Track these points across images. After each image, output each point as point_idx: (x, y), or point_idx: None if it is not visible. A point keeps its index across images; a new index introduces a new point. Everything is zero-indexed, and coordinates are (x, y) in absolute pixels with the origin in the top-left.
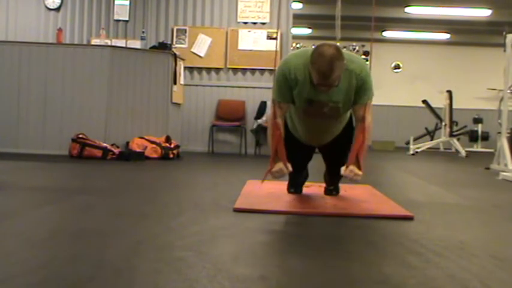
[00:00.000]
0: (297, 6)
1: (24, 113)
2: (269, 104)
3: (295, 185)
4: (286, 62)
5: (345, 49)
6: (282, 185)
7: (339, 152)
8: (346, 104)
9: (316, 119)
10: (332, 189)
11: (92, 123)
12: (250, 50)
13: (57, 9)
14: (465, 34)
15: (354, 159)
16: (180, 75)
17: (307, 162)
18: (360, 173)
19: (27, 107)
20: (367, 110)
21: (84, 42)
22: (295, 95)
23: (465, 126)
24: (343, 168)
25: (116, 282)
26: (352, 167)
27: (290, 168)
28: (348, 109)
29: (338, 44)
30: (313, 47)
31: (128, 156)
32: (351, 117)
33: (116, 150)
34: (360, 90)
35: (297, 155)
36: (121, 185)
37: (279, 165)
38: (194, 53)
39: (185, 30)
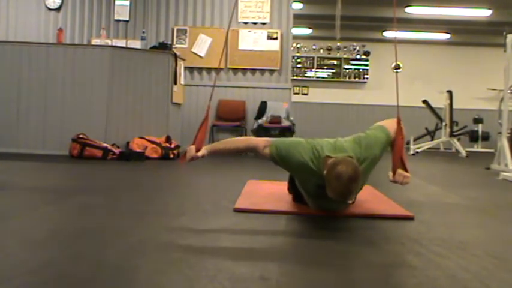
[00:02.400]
0: (297, 6)
1: (25, 113)
2: (269, 104)
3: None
4: (297, 152)
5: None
6: (282, 185)
7: None
8: (364, 181)
9: (326, 200)
10: None
11: (92, 123)
12: (251, 50)
13: (58, 9)
14: (465, 34)
15: (399, 163)
16: (180, 75)
17: None
18: (409, 175)
19: (27, 107)
20: (394, 125)
21: (85, 42)
22: (301, 180)
23: (465, 126)
24: (390, 175)
25: (116, 282)
26: (400, 171)
27: (200, 155)
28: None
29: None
30: (313, 47)
31: (128, 156)
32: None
33: (116, 150)
34: (387, 147)
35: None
36: (121, 185)
37: (191, 147)
38: (194, 53)
39: (185, 30)
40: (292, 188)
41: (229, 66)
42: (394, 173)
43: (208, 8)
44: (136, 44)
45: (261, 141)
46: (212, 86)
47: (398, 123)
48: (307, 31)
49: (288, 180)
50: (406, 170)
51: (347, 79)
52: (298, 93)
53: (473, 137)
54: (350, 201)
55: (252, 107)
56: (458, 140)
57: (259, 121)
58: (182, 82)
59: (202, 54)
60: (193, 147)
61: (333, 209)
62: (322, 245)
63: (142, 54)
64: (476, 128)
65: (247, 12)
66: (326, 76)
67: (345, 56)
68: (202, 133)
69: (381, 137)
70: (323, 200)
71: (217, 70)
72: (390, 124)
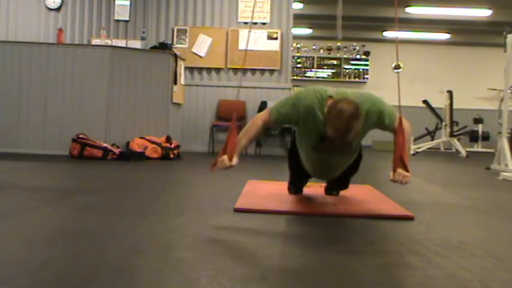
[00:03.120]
0: (298, 6)
1: (25, 113)
2: (269, 104)
3: (296, 187)
4: (300, 99)
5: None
6: (282, 185)
7: (345, 175)
8: (359, 140)
9: (326, 155)
10: (333, 188)
11: (93, 123)
12: (251, 50)
13: (58, 9)
14: (465, 34)
15: (400, 162)
16: (180, 75)
17: (305, 177)
18: (409, 174)
19: (27, 107)
20: (399, 121)
21: (85, 42)
22: (305, 131)
23: (465, 126)
24: (390, 174)
25: (116, 282)
26: (400, 171)
27: (234, 162)
28: (360, 144)
29: (352, 98)
30: (313, 47)
31: (129, 156)
32: (360, 148)
33: (117, 150)
34: (385, 119)
35: (300, 166)
36: (121, 185)
37: (224, 157)
38: (194, 53)
39: (186, 30)
40: (291, 162)
41: (229, 66)
42: (394, 171)
43: (208, 8)
44: (137, 44)
45: (263, 115)
46: (238, 87)
47: (400, 122)
48: (307, 31)
49: (288, 153)
50: (406, 169)
51: (347, 79)
52: None
53: (474, 137)
54: (351, 141)
55: (252, 107)
56: (459, 140)
57: None
58: (182, 82)
59: (202, 54)
60: (225, 158)
61: (331, 170)
62: (322, 244)
63: (143, 54)
64: (476, 128)
65: (247, 12)
66: (326, 76)
67: (345, 56)
68: (234, 140)
69: (387, 108)
70: (321, 152)
71: (241, 70)
72: (402, 119)
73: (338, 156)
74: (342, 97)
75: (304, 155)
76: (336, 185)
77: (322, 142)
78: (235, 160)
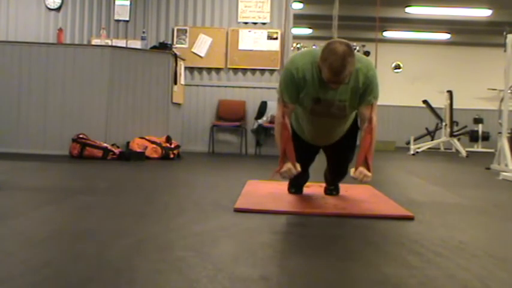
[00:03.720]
0: (298, 6)
1: (25, 113)
2: (269, 104)
3: (296, 186)
4: (293, 61)
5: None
6: (282, 185)
7: (343, 152)
8: (353, 102)
9: (322, 118)
10: (332, 189)
11: (93, 124)
12: (251, 50)
13: (58, 9)
14: (465, 34)
15: (363, 161)
16: (180, 75)
17: (310, 164)
18: (370, 174)
19: (27, 107)
20: (373, 110)
21: (85, 42)
22: (303, 95)
23: (465, 126)
24: (352, 170)
25: (116, 282)
26: (361, 169)
27: (299, 168)
28: (354, 108)
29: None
30: (313, 47)
31: (129, 156)
32: (355, 117)
33: (117, 150)
34: (367, 89)
35: (300, 156)
36: (121, 185)
37: (288, 166)
38: (194, 53)
39: (186, 30)
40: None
41: (229, 66)
42: (356, 169)
43: (208, 8)
44: (137, 44)
45: (279, 111)
46: (262, 88)
47: (371, 119)
48: (307, 31)
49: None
50: (368, 169)
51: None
52: None
53: (474, 137)
54: (345, 81)
55: (252, 107)
56: (459, 140)
57: (260, 121)
58: (182, 82)
59: (202, 54)
60: (291, 166)
61: (329, 133)
62: (322, 245)
63: (143, 54)
64: (476, 128)
65: (247, 12)
66: None
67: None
68: (292, 148)
69: (375, 83)
70: (319, 116)
71: (269, 70)
72: (376, 111)
73: (334, 120)
74: (335, 39)
75: (303, 120)
76: (335, 167)
77: (319, 104)
78: (298, 167)
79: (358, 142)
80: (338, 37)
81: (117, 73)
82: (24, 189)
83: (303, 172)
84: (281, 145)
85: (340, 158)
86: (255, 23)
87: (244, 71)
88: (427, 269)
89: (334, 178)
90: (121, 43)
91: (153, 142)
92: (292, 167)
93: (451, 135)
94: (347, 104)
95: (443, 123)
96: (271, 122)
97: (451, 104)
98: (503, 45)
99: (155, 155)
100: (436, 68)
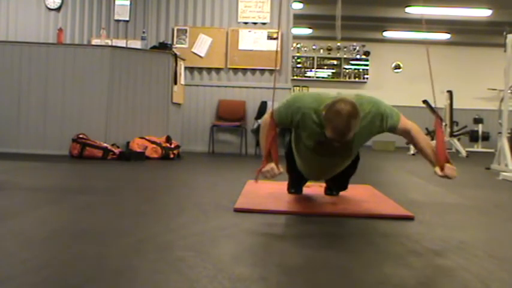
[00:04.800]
0: (298, 6)
1: (25, 113)
2: (269, 104)
3: (296, 186)
4: (298, 104)
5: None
6: (282, 185)
7: (342, 177)
8: (359, 142)
9: (325, 157)
10: (332, 189)
11: (93, 124)
12: (251, 50)
13: (58, 9)
14: (465, 34)
15: (445, 158)
16: (180, 75)
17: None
18: (455, 167)
19: (27, 107)
20: (405, 123)
21: (85, 42)
22: (304, 136)
23: (465, 126)
24: (437, 170)
25: (116, 282)
26: (448, 165)
27: (281, 169)
28: (361, 146)
29: (351, 99)
30: (313, 47)
31: (129, 156)
32: (358, 153)
33: (117, 150)
34: (387, 122)
35: (297, 169)
36: (121, 185)
37: (271, 165)
38: (194, 53)
39: (186, 30)
40: (288, 165)
41: (229, 66)
42: (442, 167)
43: (208, 8)
44: (137, 44)
45: (268, 117)
46: (272, 88)
47: (411, 130)
48: (307, 31)
49: (285, 156)
50: (450, 162)
51: (347, 79)
52: None
53: (474, 137)
54: (350, 140)
55: (252, 107)
56: (459, 140)
57: (259, 121)
58: (182, 82)
59: (202, 54)
60: (274, 167)
61: (329, 171)
62: (321, 245)
63: (143, 54)
64: (476, 128)
65: (247, 12)
66: (326, 76)
67: (345, 56)
68: (276, 149)
69: (389, 110)
70: (321, 155)
71: (275, 71)
72: (406, 120)
73: (337, 159)
74: (340, 97)
75: (302, 156)
76: (335, 186)
77: (322, 145)
78: (281, 168)
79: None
80: (342, 38)
81: (117, 73)
82: (24, 189)
83: (303, 179)
84: (266, 145)
85: (340, 180)
86: (255, 23)
87: (244, 71)
88: (427, 269)
89: (334, 190)
90: (121, 43)
91: (153, 142)
92: (275, 167)
93: (451, 135)
94: (353, 145)
95: (443, 123)
96: None
97: (451, 104)
98: (503, 45)
99: (155, 155)
100: (436, 68)
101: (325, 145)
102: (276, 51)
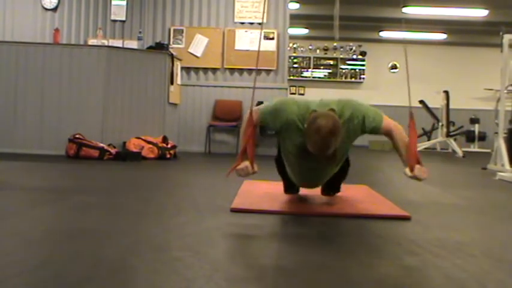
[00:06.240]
0: (294, 6)
1: (21, 113)
2: (266, 104)
3: (291, 188)
4: (284, 111)
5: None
6: (279, 185)
7: (333, 182)
8: (343, 150)
9: (310, 163)
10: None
11: (89, 124)
12: (247, 50)
13: (54, 9)
14: (462, 34)
15: (415, 158)
16: (177, 75)
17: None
18: (426, 169)
19: (24, 107)
20: (388, 122)
21: (81, 42)
22: (288, 142)
23: (462, 127)
24: (406, 170)
25: (113, 282)
26: (418, 166)
27: (256, 169)
28: (346, 153)
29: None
30: (310, 47)
31: (125, 156)
32: (347, 157)
33: (113, 151)
34: (368, 124)
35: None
36: (118, 185)
37: (245, 163)
38: (191, 53)
39: (182, 31)
40: (281, 172)
41: (225, 66)
42: (412, 168)
43: (204, 8)
44: (133, 44)
45: (249, 111)
46: (259, 88)
47: (393, 128)
48: (303, 31)
49: (275, 162)
50: (421, 164)
51: (343, 79)
52: (295, 93)
53: (470, 137)
54: (330, 155)
55: (248, 107)
56: (455, 140)
57: None
58: (179, 82)
59: (198, 55)
60: (248, 165)
61: (316, 177)
62: (318, 245)
63: (139, 55)
64: (472, 128)
65: (244, 13)
66: (323, 76)
67: (341, 56)
68: (253, 147)
69: (371, 112)
70: (306, 160)
71: (257, 71)
72: (389, 120)
73: (323, 165)
74: (322, 112)
75: (290, 162)
76: (327, 189)
77: (306, 152)
78: (256, 167)
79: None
80: (339, 38)
81: (113, 73)
82: (21, 189)
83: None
84: (243, 141)
85: (332, 184)
86: (251, 23)
87: (241, 71)
88: (423, 269)
89: (328, 193)
90: (117, 43)
91: (149, 142)
92: (249, 166)
93: (448, 135)
94: (337, 153)
95: (440, 124)
96: None
97: (447, 104)
98: (500, 45)
99: (151, 155)
100: (433, 68)
101: (309, 153)
102: (259, 51)
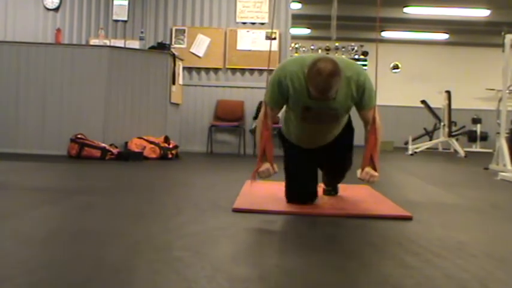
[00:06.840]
0: (296, 6)
1: (23, 114)
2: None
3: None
4: (283, 67)
5: (343, 56)
6: (281, 186)
7: (339, 165)
8: (345, 109)
9: (313, 124)
10: (330, 189)
11: (91, 124)
12: (249, 50)
13: (56, 9)
14: (464, 34)
15: (369, 161)
16: (178, 75)
17: (312, 181)
18: (377, 174)
19: (26, 108)
20: (375, 112)
21: (83, 42)
22: (292, 102)
23: (464, 127)
24: (358, 171)
25: (115, 282)
26: (368, 169)
27: (276, 169)
28: (347, 113)
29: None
30: (312, 47)
31: (127, 156)
32: (349, 119)
33: (115, 151)
34: (363, 95)
35: (300, 174)
36: (120, 185)
37: (266, 166)
38: (193, 53)
39: (184, 31)
40: (287, 165)
41: (227, 67)
42: (363, 170)
43: (206, 8)
44: (135, 44)
45: (262, 112)
46: (260, 88)
47: (374, 120)
48: (305, 31)
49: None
50: (375, 169)
51: None
52: None
53: (472, 137)
54: (332, 97)
55: (250, 107)
56: (457, 140)
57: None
58: (181, 82)
59: (200, 55)
60: (269, 167)
61: (322, 138)
62: (320, 245)
63: (141, 55)
64: (474, 128)
65: (246, 13)
66: None
67: (343, 56)
68: (272, 149)
69: (369, 86)
70: (310, 122)
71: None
72: (378, 112)
73: (326, 124)
74: (321, 56)
75: (293, 125)
76: (332, 178)
77: (309, 111)
78: (276, 167)
79: (357, 142)
80: (337, 38)
81: (115, 73)
82: (22, 189)
83: (307, 189)
84: (261, 145)
85: (337, 170)
86: (253, 23)
87: (243, 71)
88: (425, 269)
89: (331, 183)
90: (119, 43)
91: (151, 142)
92: (270, 167)
93: (450, 135)
94: (338, 112)
95: (442, 123)
96: None
97: (449, 104)
98: (502, 45)
99: (153, 155)
100: (435, 68)
101: (312, 112)
102: (270, 50)
